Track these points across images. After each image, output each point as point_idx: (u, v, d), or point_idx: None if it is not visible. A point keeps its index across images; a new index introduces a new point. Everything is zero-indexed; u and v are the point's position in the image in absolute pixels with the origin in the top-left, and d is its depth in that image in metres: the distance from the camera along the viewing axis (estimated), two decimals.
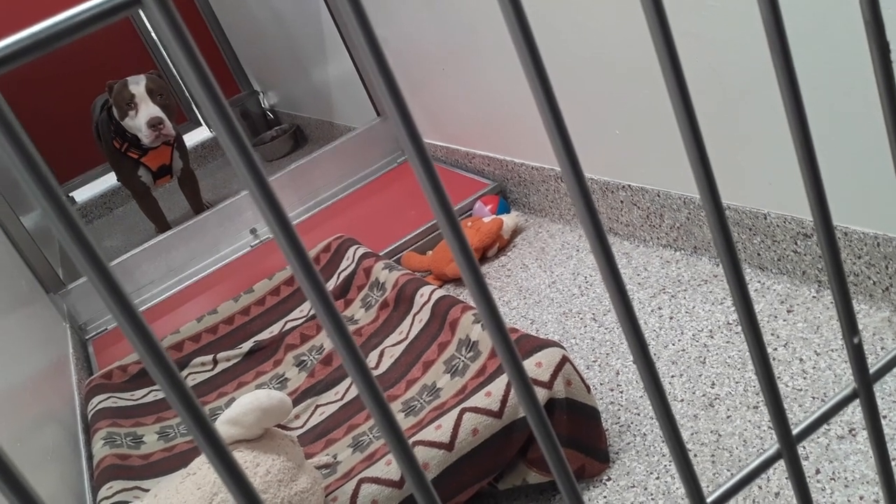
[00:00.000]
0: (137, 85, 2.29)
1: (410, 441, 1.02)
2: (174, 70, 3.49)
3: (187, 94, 3.36)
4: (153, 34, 3.41)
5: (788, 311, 1.20)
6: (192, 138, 3.43)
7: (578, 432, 1.05)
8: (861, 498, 0.88)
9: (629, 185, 1.48)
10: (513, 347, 0.48)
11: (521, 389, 0.48)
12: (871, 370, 0.75)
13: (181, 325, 1.75)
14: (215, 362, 1.61)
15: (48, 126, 3.21)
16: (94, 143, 2.62)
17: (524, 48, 0.50)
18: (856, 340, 0.67)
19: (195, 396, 0.38)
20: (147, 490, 1.21)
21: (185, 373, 1.61)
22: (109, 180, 3.34)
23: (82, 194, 3.40)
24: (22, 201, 2.84)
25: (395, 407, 1.22)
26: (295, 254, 0.40)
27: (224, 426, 0.90)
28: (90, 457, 1.39)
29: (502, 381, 1.05)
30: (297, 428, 1.30)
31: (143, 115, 2.29)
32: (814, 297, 1.20)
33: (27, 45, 0.32)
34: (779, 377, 1.09)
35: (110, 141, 2.44)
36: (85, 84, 3.22)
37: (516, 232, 1.78)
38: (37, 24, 0.32)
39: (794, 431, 0.60)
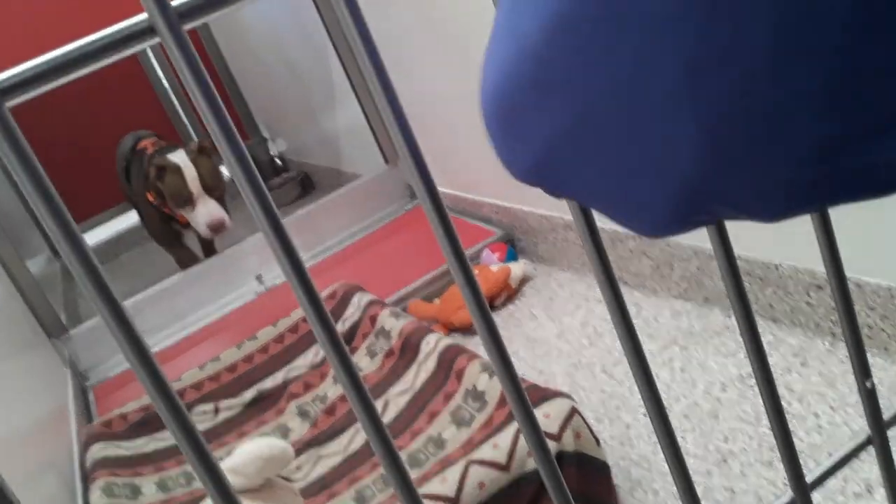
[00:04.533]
0: (191, 173, 2.12)
1: None
2: (181, 112, 3.52)
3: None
4: (164, 81, 3.45)
5: (802, 365, 1.17)
6: None
7: (588, 487, 1.02)
8: None
9: (638, 235, 1.47)
10: (523, 393, 0.46)
11: (531, 438, 0.46)
12: (886, 417, 0.72)
13: (183, 372, 1.72)
14: (217, 410, 1.59)
15: (53, 167, 3.24)
16: (118, 182, 2.59)
17: None
18: (868, 385, 0.64)
19: (205, 441, 0.37)
20: None
21: None
22: (115, 226, 3.35)
23: (89, 239, 3.41)
24: (27, 245, 2.84)
25: None
26: (307, 296, 0.38)
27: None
28: None
29: (510, 432, 1.03)
30: (298, 479, 1.27)
31: (203, 215, 2.13)
32: (828, 350, 1.18)
33: (41, 70, 0.31)
34: (793, 432, 1.06)
35: (143, 192, 2.30)
36: (91, 128, 3.24)
37: (524, 280, 1.76)
38: (51, 51, 0.31)
39: (809, 479, 0.58)
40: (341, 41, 2.17)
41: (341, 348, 0.41)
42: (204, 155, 2.20)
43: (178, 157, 2.16)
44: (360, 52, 0.42)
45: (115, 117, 3.23)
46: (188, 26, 0.36)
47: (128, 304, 2.06)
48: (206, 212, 2.13)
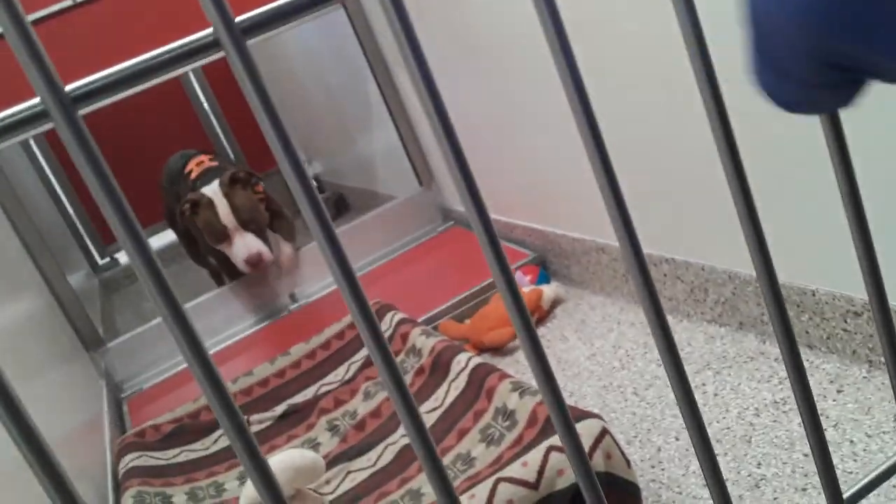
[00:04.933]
0: (224, 208, 2.02)
1: None
2: (221, 134, 3.59)
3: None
4: (205, 104, 3.53)
5: (838, 392, 1.15)
6: None
7: None
8: None
9: (673, 259, 1.46)
10: (564, 404, 0.46)
11: (570, 447, 0.46)
12: None
13: None
14: (248, 424, 1.60)
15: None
16: (155, 201, 2.56)
17: (585, 124, 0.50)
18: None
19: (257, 443, 0.38)
20: None
21: (217, 434, 1.60)
22: (153, 243, 3.41)
23: (125, 255, 3.47)
24: (67, 261, 2.90)
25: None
26: (356, 302, 0.39)
27: (250, 495, 0.89)
28: None
29: (539, 451, 1.02)
30: (327, 493, 1.27)
31: (241, 251, 2.03)
32: (864, 377, 1.16)
33: (113, 80, 0.33)
34: None
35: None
36: (128, 147, 3.31)
37: (556, 303, 1.76)
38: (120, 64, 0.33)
39: (846, 494, 0.57)
40: (379, 64, 2.20)
41: (384, 345, 0.42)
42: (238, 186, 2.08)
43: (211, 190, 2.06)
44: (416, 78, 0.44)
45: (155, 138, 3.30)
46: (252, 41, 0.38)
47: (159, 320, 2.09)
48: (243, 246, 2.03)
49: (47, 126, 0.29)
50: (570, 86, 0.46)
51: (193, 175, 2.24)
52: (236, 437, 0.35)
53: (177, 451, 1.55)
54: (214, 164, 2.27)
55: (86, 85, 0.30)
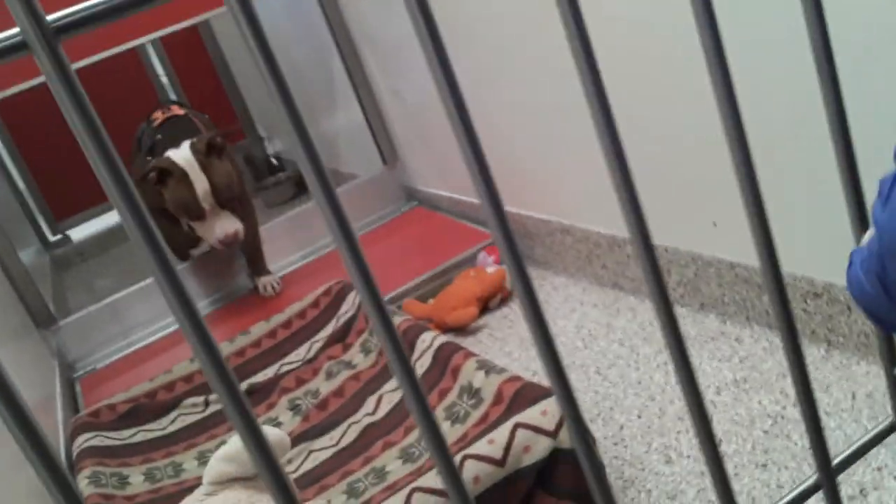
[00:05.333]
0: (203, 185, 1.76)
1: (409, 487, 0.99)
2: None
3: None
4: (162, 77, 3.44)
5: None
6: None
7: (582, 485, 1.02)
8: None
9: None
10: (559, 358, 0.45)
11: (567, 409, 0.45)
12: (884, 424, 0.73)
13: (174, 364, 1.71)
14: (207, 403, 1.57)
15: (45, 163, 3.21)
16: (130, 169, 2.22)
17: (598, 109, 0.49)
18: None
19: (250, 405, 0.36)
20: None
21: (174, 413, 1.57)
22: (107, 220, 3.33)
23: (79, 232, 3.39)
24: (20, 236, 2.82)
25: (393, 454, 1.18)
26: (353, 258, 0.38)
27: (219, 463, 0.87)
28: None
29: (506, 428, 1.02)
30: (289, 473, 1.26)
31: (217, 230, 1.79)
32: (823, 357, 1.18)
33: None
34: (787, 436, 1.07)
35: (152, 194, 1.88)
36: None
37: None
38: None
39: (834, 462, 0.58)
40: (345, 40, 2.17)
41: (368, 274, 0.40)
42: (214, 156, 1.82)
43: (184, 159, 1.78)
44: (438, 76, 0.42)
45: (112, 111, 3.21)
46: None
47: (120, 296, 2.05)
48: (219, 226, 1.79)
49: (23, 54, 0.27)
50: (585, 73, 0.45)
51: (157, 122, 2.02)
52: (228, 399, 0.33)
53: (133, 430, 1.52)
54: (181, 112, 2.06)
55: (70, 15, 0.28)
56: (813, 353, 1.19)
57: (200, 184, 1.77)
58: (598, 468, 0.50)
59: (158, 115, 2.07)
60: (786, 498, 0.56)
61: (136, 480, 1.35)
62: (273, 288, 2.02)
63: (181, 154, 1.80)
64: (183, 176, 1.77)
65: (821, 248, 1.12)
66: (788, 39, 0.97)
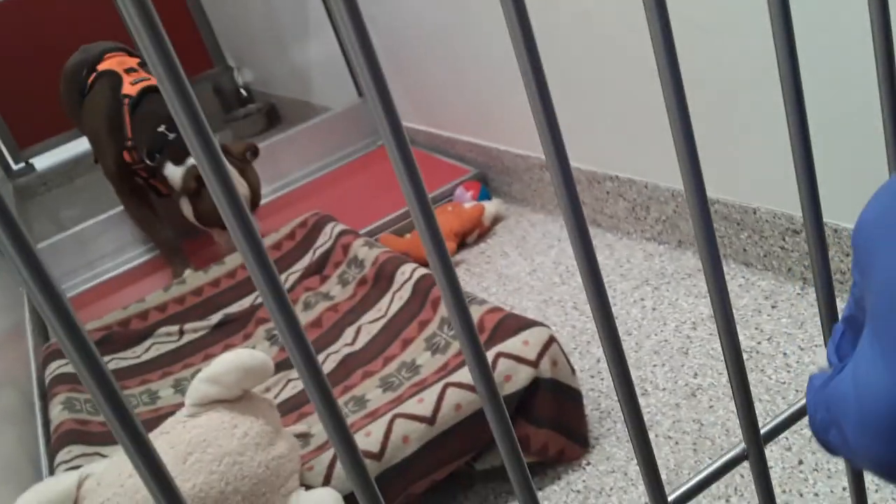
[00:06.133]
0: (243, 189, 1.69)
1: (391, 414, 1.00)
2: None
3: None
4: None
5: (773, 307, 1.20)
6: None
7: (561, 415, 1.04)
8: (844, 489, 0.88)
9: (616, 176, 1.47)
10: (474, 329, 0.45)
11: (479, 374, 0.45)
12: None
13: (147, 294, 1.69)
14: (181, 333, 1.56)
15: (8, 89, 3.10)
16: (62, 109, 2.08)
17: (519, 35, 0.48)
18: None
19: (115, 380, 0.35)
20: (106, 456, 1.16)
21: (149, 342, 1.56)
22: (72, 149, 3.24)
23: (43, 161, 3.30)
24: None
25: (373, 383, 1.19)
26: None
27: (203, 384, 0.86)
28: (47, 422, 1.33)
29: (435, 390, 1.02)
30: (266, 391, 1.26)
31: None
32: (798, 293, 1.20)
33: None
34: (762, 370, 1.09)
35: (113, 146, 1.79)
36: (50, 46, 3.11)
37: (497, 219, 1.76)
38: None
39: (764, 430, 0.59)
40: None
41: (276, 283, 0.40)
42: (250, 164, 1.78)
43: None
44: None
45: (67, 30, 3.08)
46: None
47: (86, 226, 2.01)
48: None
49: None
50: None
51: (128, 89, 1.80)
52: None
53: (107, 358, 1.51)
54: (152, 80, 1.80)
55: None
56: (789, 290, 1.21)
57: (241, 190, 1.63)
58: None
59: (123, 78, 1.83)
60: (711, 467, 0.57)
61: None
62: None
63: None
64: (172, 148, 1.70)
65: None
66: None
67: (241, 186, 1.72)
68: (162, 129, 1.74)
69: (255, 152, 1.79)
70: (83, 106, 1.91)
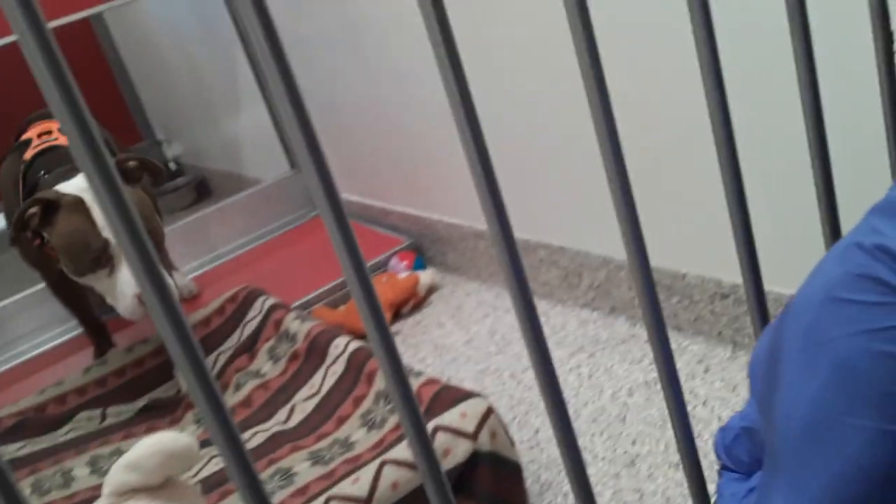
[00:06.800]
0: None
1: (324, 497, 0.95)
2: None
3: None
4: None
5: (706, 371, 1.21)
6: None
7: (501, 489, 1.01)
8: None
9: (549, 244, 1.48)
10: (414, 402, 0.44)
11: (419, 448, 0.44)
12: None
13: (66, 376, 1.61)
14: (104, 417, 1.48)
15: None
16: None
17: (458, 102, 0.49)
18: None
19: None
20: None
21: (67, 427, 1.47)
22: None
23: None
24: None
25: (301, 456, 1.14)
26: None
27: (121, 472, 0.81)
28: None
29: (372, 468, 0.99)
30: (190, 477, 1.20)
31: (130, 285, 1.24)
32: (729, 357, 1.22)
33: None
34: (699, 435, 1.09)
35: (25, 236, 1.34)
36: None
37: (432, 289, 1.75)
38: None
39: (712, 490, 0.59)
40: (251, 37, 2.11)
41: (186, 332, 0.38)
42: (132, 180, 1.35)
43: (76, 187, 1.28)
44: (266, 55, 0.41)
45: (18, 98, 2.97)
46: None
47: (2, 306, 1.91)
48: (133, 285, 1.22)
49: None
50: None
51: (29, 153, 1.48)
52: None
53: (20, 444, 1.41)
54: (61, 140, 1.49)
55: None
56: (720, 354, 1.23)
57: (78, 187, 1.28)
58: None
59: (33, 138, 1.54)
60: None
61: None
62: (190, 291, 1.90)
63: (74, 184, 1.30)
64: (75, 205, 1.26)
65: (729, 250, 1.15)
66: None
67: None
68: (41, 173, 1.41)
69: (138, 169, 1.36)
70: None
